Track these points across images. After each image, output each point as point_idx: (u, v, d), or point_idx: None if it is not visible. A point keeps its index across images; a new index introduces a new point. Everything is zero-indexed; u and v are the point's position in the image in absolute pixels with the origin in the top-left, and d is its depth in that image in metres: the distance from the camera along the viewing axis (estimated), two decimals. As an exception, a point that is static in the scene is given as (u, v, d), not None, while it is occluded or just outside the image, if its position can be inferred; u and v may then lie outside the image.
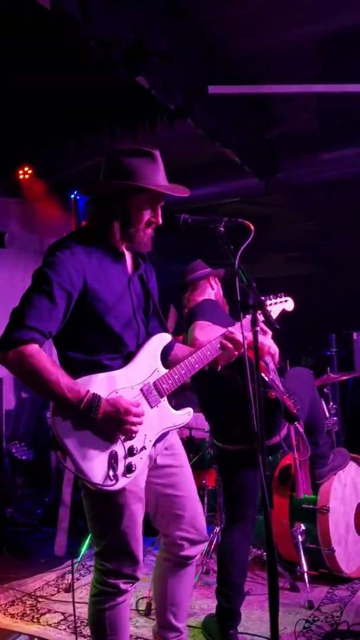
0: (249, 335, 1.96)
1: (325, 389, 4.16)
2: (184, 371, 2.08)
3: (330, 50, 4.10)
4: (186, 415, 2.12)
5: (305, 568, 3.27)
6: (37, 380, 1.82)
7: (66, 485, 4.09)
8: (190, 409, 2.17)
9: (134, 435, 1.92)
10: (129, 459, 1.93)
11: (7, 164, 5.27)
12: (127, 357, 2.02)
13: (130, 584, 2.05)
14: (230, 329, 2.20)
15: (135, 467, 1.94)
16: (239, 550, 2.81)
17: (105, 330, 1.97)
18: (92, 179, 2.19)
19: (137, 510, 2.03)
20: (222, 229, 2.12)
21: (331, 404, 4.01)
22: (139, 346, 2.05)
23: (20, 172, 5.33)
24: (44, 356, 1.82)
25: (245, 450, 2.76)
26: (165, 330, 2.17)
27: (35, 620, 3.08)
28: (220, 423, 2.94)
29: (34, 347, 1.81)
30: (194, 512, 2.19)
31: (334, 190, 5.69)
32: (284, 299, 2.56)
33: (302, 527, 3.38)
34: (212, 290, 3.05)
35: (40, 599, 3.32)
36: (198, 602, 3.23)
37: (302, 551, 3.31)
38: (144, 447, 1.98)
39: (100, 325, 1.96)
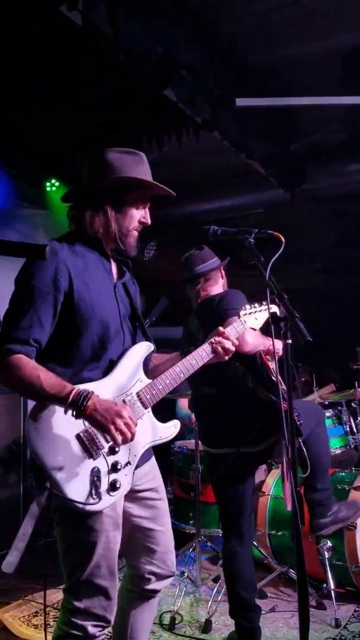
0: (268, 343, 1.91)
1: (353, 404, 4.10)
2: (168, 380, 1.96)
3: (356, 61, 4.08)
4: (172, 427, 2.01)
5: (332, 585, 3.20)
6: (22, 388, 1.77)
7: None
8: (177, 422, 2.04)
9: (124, 439, 1.74)
10: (113, 476, 1.79)
11: (36, 176, 5.35)
12: (109, 367, 1.90)
13: (100, 629, 1.84)
14: (225, 330, 2.08)
15: (120, 485, 1.80)
16: (244, 571, 2.74)
17: (89, 335, 1.84)
18: (86, 160, 2.05)
19: (114, 539, 1.86)
20: (251, 241, 2.12)
21: (359, 419, 3.94)
22: (121, 355, 1.93)
23: (48, 184, 5.40)
24: (23, 363, 1.73)
25: (231, 455, 2.67)
26: (149, 340, 2.06)
27: (58, 631, 3.07)
28: (209, 425, 2.86)
29: (12, 358, 1.73)
30: (167, 547, 2.08)
31: (360, 201, 5.65)
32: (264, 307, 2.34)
33: (329, 543, 3.31)
34: (222, 280, 2.98)
35: (63, 611, 3.31)
36: (222, 618, 3.18)
37: (328, 568, 3.25)
38: (128, 463, 1.85)
39: (84, 331, 1.83)
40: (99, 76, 3.78)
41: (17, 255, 1.05)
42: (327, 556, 3.28)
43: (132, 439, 1.76)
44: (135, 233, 1.97)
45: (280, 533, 3.58)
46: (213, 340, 2.05)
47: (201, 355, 2.04)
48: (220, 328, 2.09)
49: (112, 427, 1.72)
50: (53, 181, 5.42)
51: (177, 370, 1.99)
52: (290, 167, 5.06)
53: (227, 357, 2.06)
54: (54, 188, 5.44)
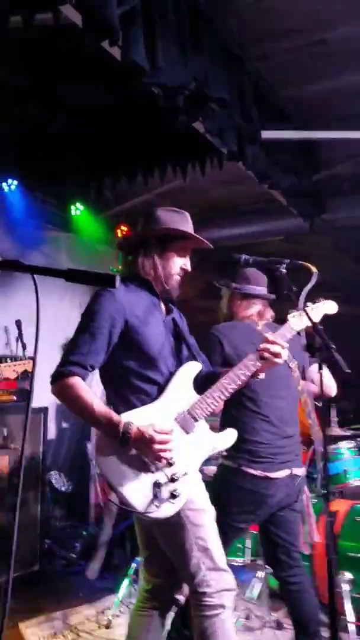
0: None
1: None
2: (217, 394, 2.13)
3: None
4: (231, 436, 2.17)
5: (350, 618, 3.16)
6: (76, 407, 2.04)
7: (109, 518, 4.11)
8: (233, 430, 2.18)
9: (162, 459, 1.98)
10: (173, 486, 2.01)
11: (61, 200, 5.47)
12: (159, 390, 2.14)
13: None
14: (270, 336, 2.18)
15: (179, 493, 2.00)
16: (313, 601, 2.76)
17: (143, 366, 2.12)
18: (141, 215, 2.38)
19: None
20: (283, 271, 2.17)
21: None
22: (170, 379, 2.16)
23: (73, 207, 5.51)
24: (82, 386, 2.02)
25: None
26: (197, 361, 2.27)
27: (76, 655, 3.05)
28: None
29: (73, 379, 2.02)
30: None
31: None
32: (322, 302, 2.43)
33: (348, 575, 3.28)
34: None
35: (81, 634, 3.29)
36: (241, 648, 3.13)
37: (347, 600, 3.21)
38: (186, 473, 2.03)
39: (138, 360, 2.11)
40: (127, 106, 3.89)
41: (90, 283, 1.10)
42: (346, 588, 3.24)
43: (166, 457, 1.97)
44: (178, 277, 2.26)
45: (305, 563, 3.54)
46: (258, 348, 2.17)
47: (247, 365, 2.16)
48: (267, 334, 2.18)
49: (149, 454, 1.96)
50: (78, 205, 5.52)
51: (225, 382, 2.14)
52: (311, 197, 5.14)
53: (279, 361, 2.15)
54: (78, 212, 5.54)
